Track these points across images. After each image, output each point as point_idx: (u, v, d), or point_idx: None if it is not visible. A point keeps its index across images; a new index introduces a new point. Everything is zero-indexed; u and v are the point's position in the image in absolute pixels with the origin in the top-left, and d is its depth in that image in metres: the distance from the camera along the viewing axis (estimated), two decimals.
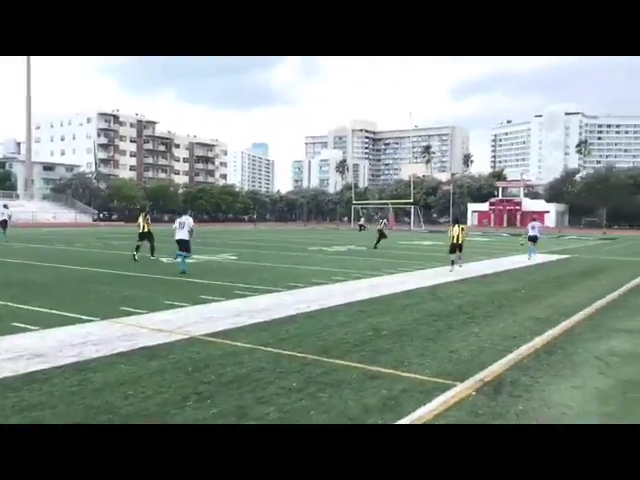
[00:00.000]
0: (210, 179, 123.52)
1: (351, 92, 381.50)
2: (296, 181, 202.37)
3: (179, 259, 13.98)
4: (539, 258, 20.68)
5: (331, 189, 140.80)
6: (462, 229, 16.13)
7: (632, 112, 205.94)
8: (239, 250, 23.06)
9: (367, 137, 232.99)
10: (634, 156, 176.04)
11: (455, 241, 15.85)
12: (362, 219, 51.84)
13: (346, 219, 73.93)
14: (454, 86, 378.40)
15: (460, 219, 18.92)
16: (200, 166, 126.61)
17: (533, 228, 21.27)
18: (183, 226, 13.89)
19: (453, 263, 15.86)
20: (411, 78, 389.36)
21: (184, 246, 13.81)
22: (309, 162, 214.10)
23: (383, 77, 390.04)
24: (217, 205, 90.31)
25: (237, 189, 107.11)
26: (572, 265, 18.95)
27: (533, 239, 20.88)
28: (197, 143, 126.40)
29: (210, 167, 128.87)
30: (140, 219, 18.00)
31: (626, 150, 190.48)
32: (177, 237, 13.92)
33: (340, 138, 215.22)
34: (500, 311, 9.39)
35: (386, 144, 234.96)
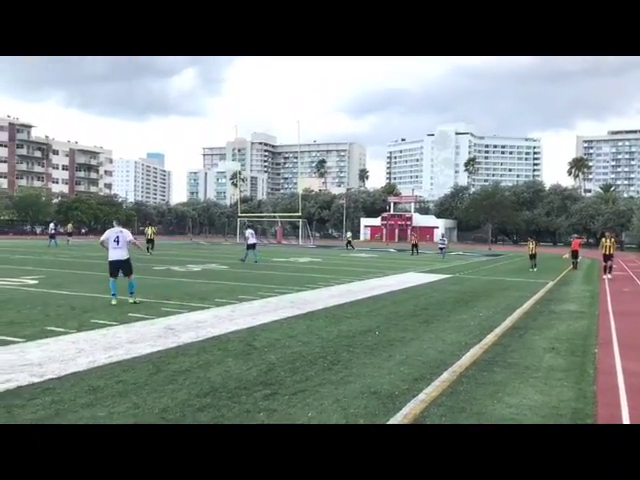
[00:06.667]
0: (93, 188, 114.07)
1: (251, 105, 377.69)
2: (191, 193, 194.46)
3: None
4: (414, 279, 18.86)
5: (228, 202, 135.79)
6: (613, 242, 20.62)
7: (517, 134, 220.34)
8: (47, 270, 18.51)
9: (266, 150, 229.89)
10: (517, 175, 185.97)
11: (607, 252, 20.01)
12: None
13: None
14: (352, 105, 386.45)
15: (606, 233, 21.97)
16: (82, 174, 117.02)
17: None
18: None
19: (606, 270, 20.23)
20: (312, 96, 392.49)
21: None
22: (205, 174, 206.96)
23: (285, 95, 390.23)
24: (96, 217, 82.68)
25: (120, 199, 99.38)
26: (450, 288, 16.45)
27: None
28: (79, 150, 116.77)
29: (93, 176, 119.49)
30: None
31: (510, 170, 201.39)
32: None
33: (239, 150, 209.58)
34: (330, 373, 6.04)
35: (285, 158, 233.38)
